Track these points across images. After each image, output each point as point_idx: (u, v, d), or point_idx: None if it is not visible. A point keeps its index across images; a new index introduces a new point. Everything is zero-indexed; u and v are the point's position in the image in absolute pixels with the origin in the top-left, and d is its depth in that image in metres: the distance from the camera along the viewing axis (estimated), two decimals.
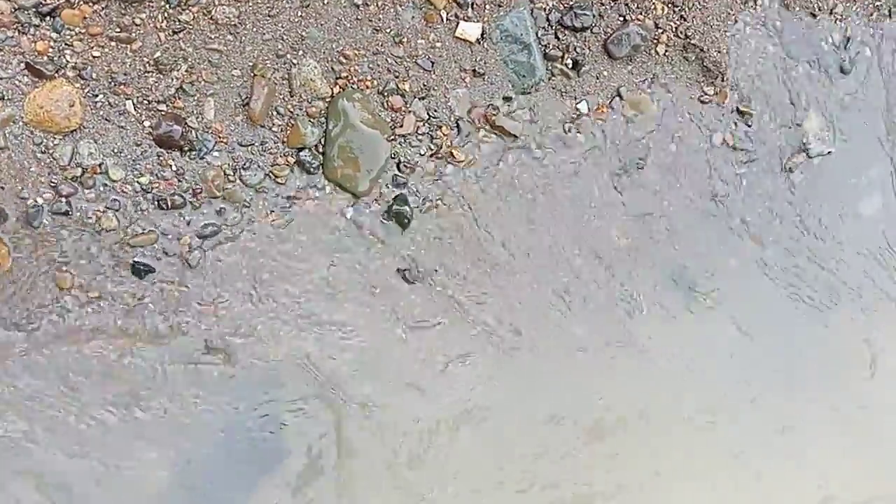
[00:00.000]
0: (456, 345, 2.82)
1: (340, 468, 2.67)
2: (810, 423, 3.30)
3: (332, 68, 2.53)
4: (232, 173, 2.48)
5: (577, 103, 2.85)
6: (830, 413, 3.33)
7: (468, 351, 2.83)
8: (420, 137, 2.66)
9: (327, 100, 2.53)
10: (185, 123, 2.41)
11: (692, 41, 2.91)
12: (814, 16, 3.15)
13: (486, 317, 2.83)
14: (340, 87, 2.54)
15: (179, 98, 2.40)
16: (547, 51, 2.75)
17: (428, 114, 2.65)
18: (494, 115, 2.72)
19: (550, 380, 2.90)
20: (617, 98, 2.89)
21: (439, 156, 2.68)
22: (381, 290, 2.69)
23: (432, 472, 2.77)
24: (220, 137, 2.45)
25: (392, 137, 2.60)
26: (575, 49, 2.79)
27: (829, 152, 3.25)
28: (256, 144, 2.50)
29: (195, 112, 2.42)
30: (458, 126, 2.69)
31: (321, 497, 2.62)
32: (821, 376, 3.29)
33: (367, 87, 2.57)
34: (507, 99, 2.74)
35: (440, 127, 2.67)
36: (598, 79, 2.86)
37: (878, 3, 3.28)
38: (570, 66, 2.80)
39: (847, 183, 3.31)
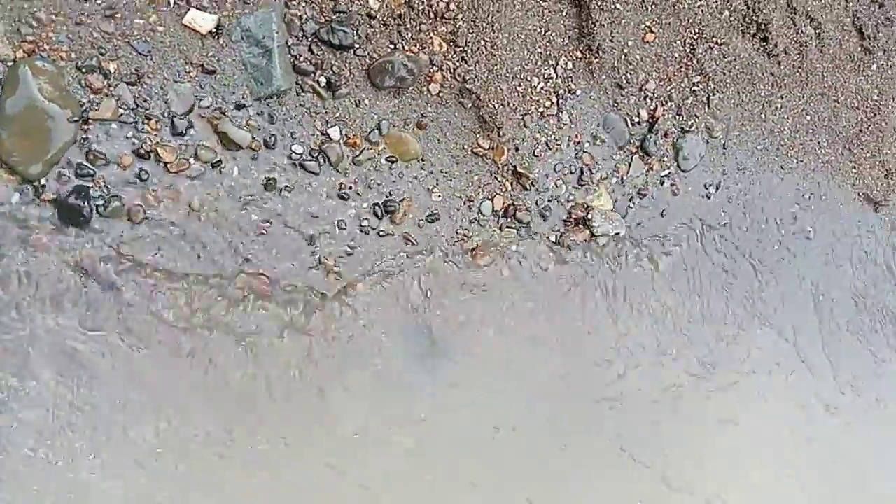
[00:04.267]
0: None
1: None
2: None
3: (19, 30, 2.17)
4: None
5: (328, 127, 2.56)
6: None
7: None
8: (121, 127, 2.32)
9: (9, 63, 2.18)
10: None
11: (469, 86, 2.66)
12: (620, 87, 2.95)
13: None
14: (25, 53, 2.18)
15: None
16: (297, 62, 2.46)
17: (136, 102, 2.31)
18: (218, 119, 2.40)
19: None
20: (376, 132, 2.61)
21: (142, 153, 2.34)
22: (43, 294, 2.31)
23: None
24: None
25: (80, 119, 2.26)
26: (331, 67, 2.51)
27: (618, 234, 3.04)
28: None
29: None
30: (172, 123, 2.36)
31: None
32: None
33: (62, 59, 2.22)
34: (239, 106, 2.43)
35: (148, 119, 2.33)
36: (357, 106, 2.58)
37: (695, 89, 3.11)
38: (324, 84, 2.51)
39: (632, 273, 3.10)
